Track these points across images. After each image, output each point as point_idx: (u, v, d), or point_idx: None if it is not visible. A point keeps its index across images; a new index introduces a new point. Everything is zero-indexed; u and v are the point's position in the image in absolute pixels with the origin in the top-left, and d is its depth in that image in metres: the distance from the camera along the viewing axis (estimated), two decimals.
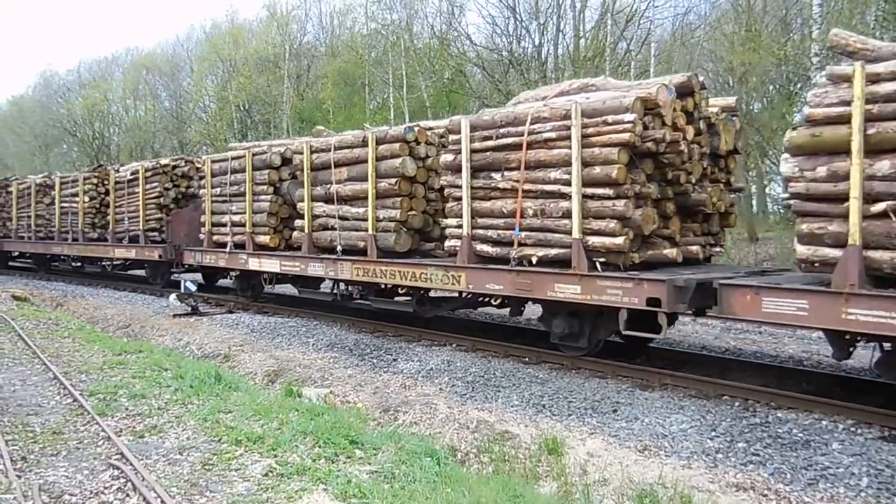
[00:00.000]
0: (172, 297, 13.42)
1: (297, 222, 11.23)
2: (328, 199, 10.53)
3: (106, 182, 17.96)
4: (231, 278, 13.84)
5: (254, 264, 12.15)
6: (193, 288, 13.23)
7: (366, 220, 9.81)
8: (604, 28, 24.77)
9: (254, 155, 12.17)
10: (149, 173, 16.10)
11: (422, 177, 9.59)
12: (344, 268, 10.07)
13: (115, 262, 17.78)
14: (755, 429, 5.85)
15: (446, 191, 8.77)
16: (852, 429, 5.73)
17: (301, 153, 11.05)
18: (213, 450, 5.19)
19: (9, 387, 7.17)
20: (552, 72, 25.79)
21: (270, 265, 11.73)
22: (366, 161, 9.78)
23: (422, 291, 9.59)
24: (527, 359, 8.56)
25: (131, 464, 4.82)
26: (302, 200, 11.07)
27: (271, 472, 4.73)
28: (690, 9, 25.77)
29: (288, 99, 35.94)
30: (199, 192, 14.01)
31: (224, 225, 12.86)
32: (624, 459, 5.45)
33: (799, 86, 18.54)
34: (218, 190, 13.04)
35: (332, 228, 10.44)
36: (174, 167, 16.09)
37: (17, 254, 23.14)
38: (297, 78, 37.28)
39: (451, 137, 8.64)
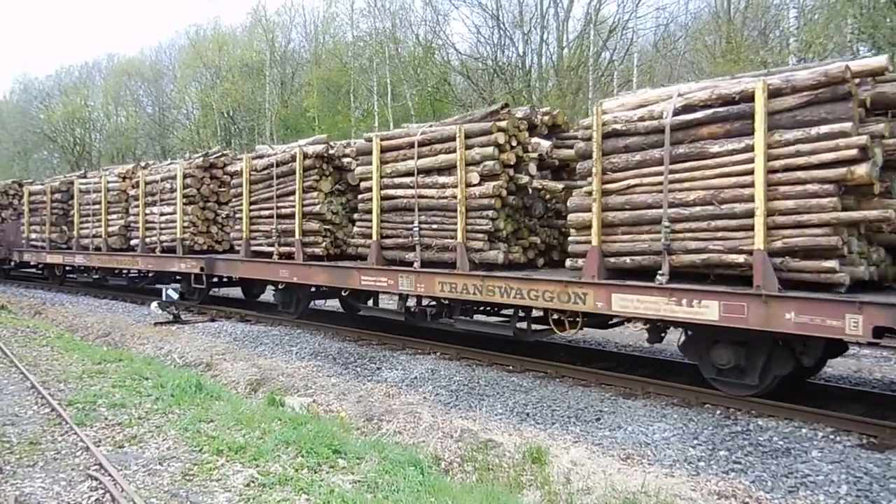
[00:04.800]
0: (154, 304, 13.25)
1: None
2: None
3: (523, 133, 8.44)
4: None
5: None
6: (175, 296, 13.08)
7: None
8: (587, 38, 25.04)
9: None
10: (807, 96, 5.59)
11: None
12: None
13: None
14: (736, 437, 5.91)
15: None
16: (832, 436, 5.79)
17: None
18: (193, 460, 5.13)
19: None
20: (536, 81, 26.01)
21: None
22: None
23: None
24: (511, 367, 8.58)
25: (110, 474, 4.75)
26: None
27: (253, 482, 4.68)
28: (672, 20, 26.09)
29: (272, 106, 35.85)
30: None
31: None
32: (607, 468, 5.46)
33: None
34: None
35: None
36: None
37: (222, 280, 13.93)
38: (281, 85, 37.23)
39: None
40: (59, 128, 50.15)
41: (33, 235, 19.31)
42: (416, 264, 8.88)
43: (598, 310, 7.06)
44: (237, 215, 12.37)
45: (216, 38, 41.10)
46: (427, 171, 8.85)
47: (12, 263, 21.23)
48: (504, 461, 5.78)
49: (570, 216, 7.42)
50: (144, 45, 63.76)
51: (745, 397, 6.55)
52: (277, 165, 11.23)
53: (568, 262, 7.48)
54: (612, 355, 9.24)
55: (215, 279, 13.72)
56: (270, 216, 11.37)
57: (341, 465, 5.06)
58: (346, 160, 10.72)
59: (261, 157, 11.93)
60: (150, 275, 15.55)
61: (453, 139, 8.45)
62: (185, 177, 13.77)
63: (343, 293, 10.59)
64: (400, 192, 9.17)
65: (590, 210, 7.07)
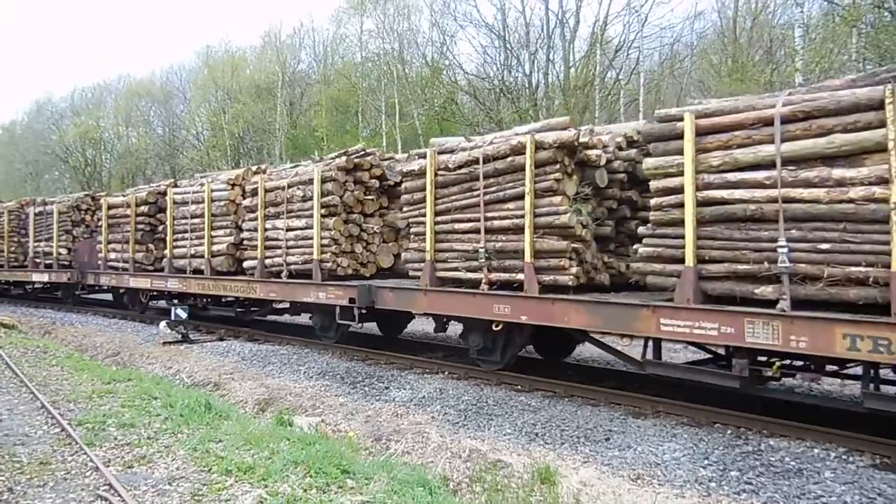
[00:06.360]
0: (162, 324, 13.31)
1: None
2: None
3: None
4: None
5: None
6: (184, 315, 13.13)
7: None
8: (593, 58, 25.22)
9: None
10: None
11: None
12: None
13: None
14: (748, 457, 5.86)
15: None
16: (844, 457, 5.74)
17: None
18: (202, 480, 5.14)
19: None
20: (542, 100, 26.18)
21: None
22: None
23: None
24: (519, 386, 8.55)
25: (119, 495, 4.76)
26: None
27: (262, 502, 4.67)
28: (677, 40, 26.26)
29: (281, 126, 36.20)
30: None
31: None
32: (617, 488, 5.42)
33: None
34: None
35: None
36: None
37: None
38: (290, 105, 37.63)
39: None
40: (71, 149, 50.79)
41: (112, 255, 16.55)
42: (782, 304, 5.80)
43: None
44: (413, 229, 9.36)
45: (230, 60, 41.65)
46: (801, 161, 5.83)
47: (82, 287, 18.67)
48: (513, 482, 5.74)
49: None
50: (155, 67, 64.65)
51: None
52: (486, 161, 8.21)
53: None
54: (620, 374, 9.19)
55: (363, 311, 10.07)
56: (473, 230, 8.44)
57: (350, 486, 5.05)
58: (592, 153, 7.82)
59: (451, 151, 8.84)
60: (272, 305, 12.91)
61: (870, 107, 5.40)
62: (323, 181, 10.70)
63: (623, 341, 7.53)
64: (740, 193, 6.15)
65: None
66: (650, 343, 7.13)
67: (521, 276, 7.84)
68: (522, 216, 7.76)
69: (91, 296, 20.21)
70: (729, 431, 6.51)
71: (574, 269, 7.52)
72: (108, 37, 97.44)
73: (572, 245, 7.56)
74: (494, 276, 8.17)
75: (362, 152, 11.24)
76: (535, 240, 7.72)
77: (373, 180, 11.07)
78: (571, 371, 9.38)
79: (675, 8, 51.40)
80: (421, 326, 13.20)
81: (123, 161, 48.87)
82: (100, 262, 17.07)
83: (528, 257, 7.71)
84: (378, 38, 32.00)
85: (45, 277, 19.52)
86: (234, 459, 5.49)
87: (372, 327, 12.54)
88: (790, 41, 19.34)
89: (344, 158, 10.95)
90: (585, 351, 10.25)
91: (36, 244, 19.84)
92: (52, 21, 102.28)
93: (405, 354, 10.36)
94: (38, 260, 19.73)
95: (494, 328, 8.43)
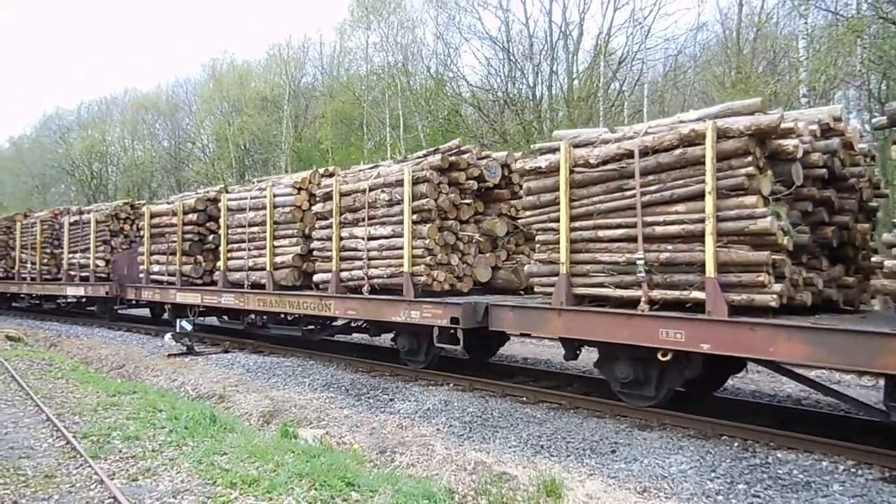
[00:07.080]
0: (167, 336, 13.33)
1: None
2: None
3: None
4: None
5: None
6: (189, 327, 13.14)
7: None
8: (597, 69, 25.31)
9: None
10: None
11: None
12: None
13: None
14: (755, 470, 5.81)
15: None
16: (853, 470, 5.69)
17: None
18: (207, 493, 5.12)
19: (1, 429, 7.09)
20: (546, 112, 26.26)
21: None
22: None
23: None
24: (524, 398, 8.52)
25: None
26: None
27: None
28: (681, 51, 26.34)
29: (286, 138, 36.39)
30: None
31: None
32: (623, 501, 5.38)
33: None
34: None
35: None
36: None
37: None
38: (295, 118, 37.86)
39: None
40: (78, 162, 51.16)
41: (155, 268, 15.06)
42: None
43: None
44: (540, 237, 7.83)
45: (238, 72, 41.97)
46: None
47: (121, 302, 17.32)
48: (518, 494, 5.70)
49: None
50: (161, 80, 65.18)
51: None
52: (645, 155, 6.76)
53: None
54: None
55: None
56: (625, 238, 6.97)
57: (355, 499, 5.03)
58: (787, 143, 6.29)
59: (590, 143, 7.38)
60: (352, 324, 11.41)
61: None
62: (415, 182, 9.31)
63: (864, 379, 6.36)
64: None
65: None
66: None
67: (698, 295, 6.35)
68: (698, 220, 6.32)
69: (129, 311, 19.11)
70: (736, 444, 6.47)
71: (777, 287, 6.03)
72: (115, 51, 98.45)
73: (773, 256, 6.05)
74: (657, 293, 6.68)
75: (457, 149, 9.89)
76: (719, 249, 6.21)
77: (469, 181, 9.64)
78: (577, 384, 9.32)
79: (678, 20, 51.65)
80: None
81: (129, 174, 49.18)
82: (141, 274, 15.63)
83: (710, 271, 6.19)
84: (382, 51, 32.20)
85: (80, 291, 18.34)
86: (238, 472, 5.48)
87: (380, 340, 12.52)
88: (794, 52, 19.38)
89: (438, 156, 9.53)
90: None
91: (71, 256, 18.72)
92: (58, 35, 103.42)
93: (410, 367, 10.33)
94: (72, 272, 18.60)
95: (661, 357, 6.78)
